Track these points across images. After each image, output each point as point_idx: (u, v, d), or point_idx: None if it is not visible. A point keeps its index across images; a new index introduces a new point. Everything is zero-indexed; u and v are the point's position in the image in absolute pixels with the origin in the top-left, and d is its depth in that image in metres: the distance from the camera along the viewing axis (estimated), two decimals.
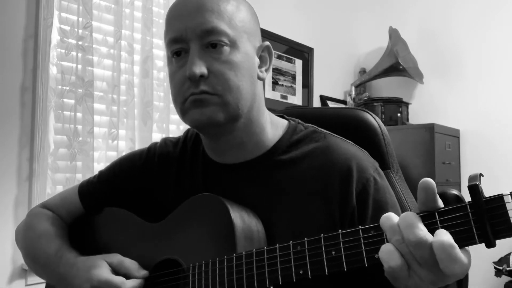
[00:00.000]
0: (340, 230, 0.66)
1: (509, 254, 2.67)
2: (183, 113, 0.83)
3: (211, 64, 0.79)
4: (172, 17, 0.84)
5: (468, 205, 0.58)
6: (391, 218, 0.61)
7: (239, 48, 0.82)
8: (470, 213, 0.57)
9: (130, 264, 0.87)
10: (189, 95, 0.80)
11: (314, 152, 0.86)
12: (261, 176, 0.87)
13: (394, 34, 3.21)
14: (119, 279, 0.84)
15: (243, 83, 0.81)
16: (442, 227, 0.58)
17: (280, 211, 0.83)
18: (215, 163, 0.91)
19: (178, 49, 0.82)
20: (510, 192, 0.55)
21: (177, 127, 2.26)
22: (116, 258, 0.88)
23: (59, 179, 1.85)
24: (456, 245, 0.57)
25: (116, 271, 0.87)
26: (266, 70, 0.89)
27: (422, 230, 0.58)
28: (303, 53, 3.10)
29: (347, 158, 0.83)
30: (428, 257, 0.58)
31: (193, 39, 0.80)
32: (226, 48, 0.80)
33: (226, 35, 0.80)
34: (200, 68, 0.78)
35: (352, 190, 0.80)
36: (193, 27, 0.80)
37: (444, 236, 0.57)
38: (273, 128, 0.90)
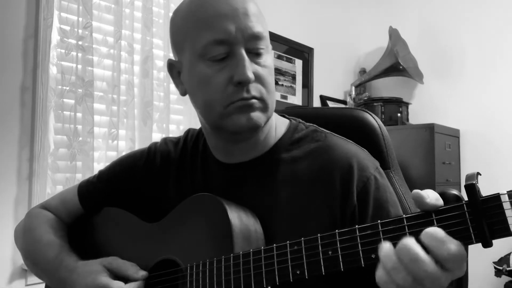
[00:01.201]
0: (337, 230, 0.66)
1: (509, 254, 2.67)
2: (223, 117, 0.81)
3: (256, 69, 0.80)
4: (216, 16, 0.79)
5: (464, 205, 0.57)
6: (386, 248, 0.60)
7: (270, 52, 0.84)
8: (466, 213, 0.57)
9: (129, 266, 0.87)
10: (238, 99, 0.79)
11: (315, 151, 0.86)
12: (261, 175, 0.87)
13: (394, 34, 3.21)
14: (117, 284, 0.83)
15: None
16: (439, 227, 0.58)
17: (280, 210, 0.83)
18: (216, 161, 0.91)
19: (219, 53, 0.79)
20: (507, 192, 0.55)
21: (177, 127, 2.26)
22: (115, 261, 0.88)
23: (59, 179, 1.85)
24: (464, 253, 0.56)
25: (115, 274, 0.86)
26: None
27: (429, 265, 0.56)
28: (303, 53, 3.10)
29: (348, 157, 0.83)
30: (435, 278, 0.57)
31: (240, 42, 0.79)
32: (264, 52, 0.82)
33: (265, 39, 0.82)
34: (251, 73, 0.79)
35: (353, 189, 0.80)
36: (242, 30, 0.78)
37: (452, 246, 0.56)
38: (275, 127, 0.90)
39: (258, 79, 0.80)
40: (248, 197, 0.85)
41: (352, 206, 0.79)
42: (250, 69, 0.78)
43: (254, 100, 0.80)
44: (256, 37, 0.80)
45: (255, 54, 0.80)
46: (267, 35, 0.83)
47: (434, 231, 0.57)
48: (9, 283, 1.71)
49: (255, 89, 0.80)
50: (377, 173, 0.83)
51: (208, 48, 0.79)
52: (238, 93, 0.79)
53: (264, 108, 0.81)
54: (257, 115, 0.80)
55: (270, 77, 0.82)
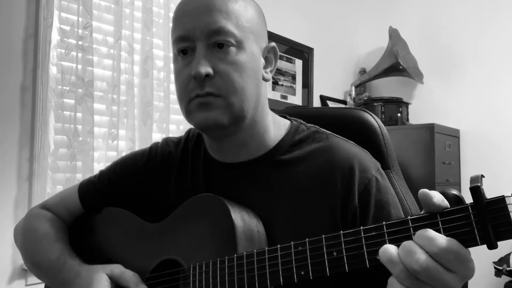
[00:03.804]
0: (341, 231, 0.66)
1: (509, 254, 2.67)
2: (188, 113, 0.82)
3: (217, 65, 0.79)
4: (181, 14, 0.83)
5: (470, 207, 0.57)
6: (388, 250, 0.59)
7: (245, 48, 0.81)
8: (472, 215, 0.57)
9: (130, 277, 0.86)
10: (195, 95, 0.80)
11: (316, 152, 0.86)
12: (262, 176, 0.87)
13: (394, 34, 3.21)
14: None
15: (248, 84, 0.81)
16: (444, 229, 0.58)
17: (281, 211, 0.83)
18: (216, 162, 0.91)
19: (184, 47, 0.81)
20: None
21: (177, 127, 2.26)
22: (118, 269, 0.87)
23: (59, 179, 1.84)
24: (460, 249, 0.56)
25: (116, 283, 0.86)
26: (271, 71, 0.89)
27: (421, 256, 0.56)
28: (303, 53, 3.10)
29: (349, 158, 0.83)
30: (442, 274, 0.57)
31: (200, 39, 0.79)
32: (233, 49, 0.80)
33: (233, 36, 0.79)
34: (206, 68, 0.78)
35: (354, 190, 0.80)
36: (201, 27, 0.79)
37: (441, 241, 0.56)
38: (276, 128, 0.89)
39: (219, 74, 0.79)
40: (248, 198, 0.85)
41: (353, 207, 0.79)
42: (204, 64, 0.78)
43: (210, 98, 0.79)
44: (217, 33, 0.79)
45: (218, 50, 0.79)
46: (238, 32, 0.80)
47: (424, 230, 0.58)
48: (9, 283, 1.71)
49: (212, 85, 0.79)
50: (379, 175, 0.83)
51: (176, 44, 0.83)
52: (195, 88, 0.79)
53: (227, 106, 0.79)
54: (215, 114, 0.79)
55: (235, 74, 0.79)
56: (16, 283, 1.73)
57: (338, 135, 0.89)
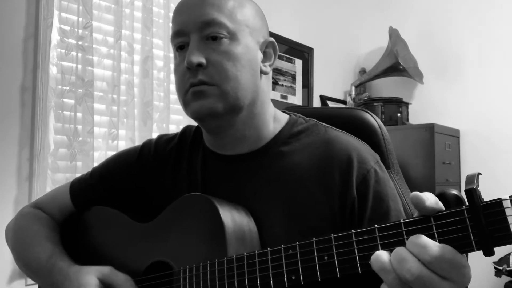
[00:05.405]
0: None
1: (509, 254, 2.67)
2: (185, 105, 0.84)
3: (210, 55, 0.80)
4: (176, 12, 0.86)
5: (465, 210, 0.55)
6: (380, 257, 0.57)
7: (239, 40, 0.82)
8: (467, 219, 0.54)
9: (123, 281, 0.84)
10: (189, 86, 0.81)
11: (315, 144, 0.86)
12: (260, 167, 0.87)
13: (394, 34, 3.21)
14: None
15: (243, 74, 0.82)
16: (438, 233, 0.56)
17: (279, 202, 0.83)
18: (214, 154, 0.91)
19: (180, 42, 0.83)
20: (509, 196, 0.52)
21: (177, 127, 2.26)
22: (109, 272, 0.85)
23: (59, 179, 1.84)
24: (454, 257, 0.55)
25: (107, 286, 0.84)
26: (270, 65, 0.89)
27: (413, 264, 0.54)
28: (303, 53, 3.10)
29: (348, 149, 0.83)
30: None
31: (193, 31, 0.81)
32: (226, 40, 0.81)
33: (226, 27, 0.81)
34: (198, 58, 0.79)
35: (352, 181, 0.80)
36: (194, 19, 0.81)
37: (434, 249, 0.54)
38: (275, 122, 0.90)
39: (212, 64, 0.80)
40: (246, 189, 0.85)
41: (351, 198, 0.79)
42: (196, 53, 0.80)
43: (204, 87, 0.80)
44: (208, 24, 0.80)
45: (212, 42, 0.81)
46: (231, 24, 0.81)
47: (416, 237, 0.56)
48: (9, 283, 1.71)
49: (205, 74, 0.80)
50: (377, 167, 0.83)
51: (173, 40, 0.85)
52: (190, 79, 0.81)
53: (222, 95, 0.80)
54: (210, 102, 0.80)
55: (228, 63, 0.80)
56: (16, 283, 1.72)
57: (337, 128, 0.90)
